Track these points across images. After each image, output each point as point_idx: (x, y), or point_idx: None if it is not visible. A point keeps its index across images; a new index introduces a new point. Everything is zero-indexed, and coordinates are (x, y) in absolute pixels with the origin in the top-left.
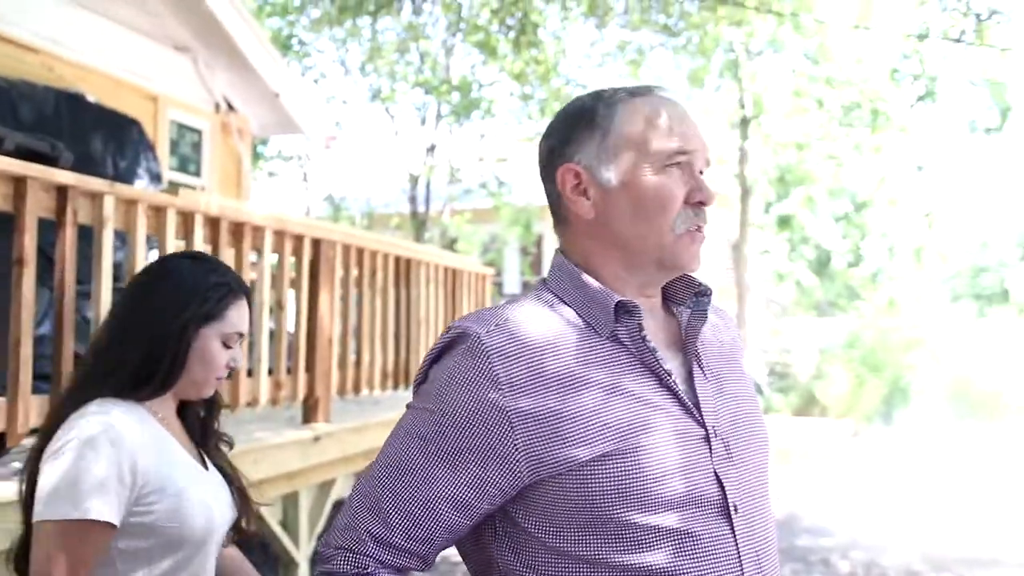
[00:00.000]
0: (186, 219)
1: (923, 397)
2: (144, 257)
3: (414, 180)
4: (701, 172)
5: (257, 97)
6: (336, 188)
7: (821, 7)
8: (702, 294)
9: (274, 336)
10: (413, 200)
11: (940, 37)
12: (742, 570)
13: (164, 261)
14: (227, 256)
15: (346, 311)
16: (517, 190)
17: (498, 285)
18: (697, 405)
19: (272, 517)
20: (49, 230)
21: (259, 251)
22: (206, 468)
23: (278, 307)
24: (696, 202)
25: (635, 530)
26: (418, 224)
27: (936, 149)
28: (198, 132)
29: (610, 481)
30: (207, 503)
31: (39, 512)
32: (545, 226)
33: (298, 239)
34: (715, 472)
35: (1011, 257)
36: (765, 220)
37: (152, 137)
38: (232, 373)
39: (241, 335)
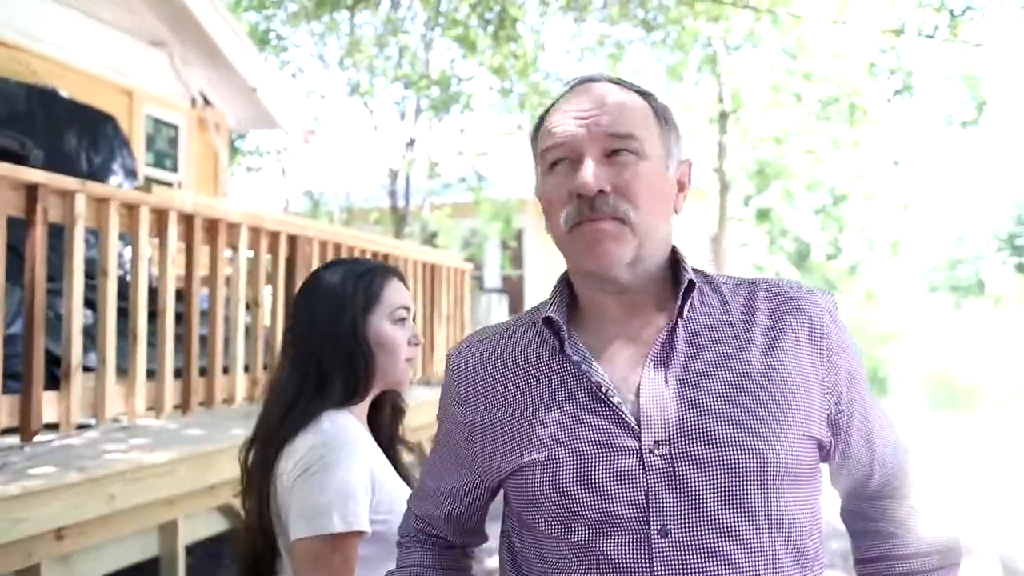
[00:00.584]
0: (160, 216)
1: (901, 389)
2: (117, 254)
3: (394, 175)
4: (613, 152)
5: (234, 92)
6: (315, 183)
7: (798, 2)
8: (687, 289)
9: (250, 333)
10: (393, 195)
11: (915, 34)
12: None
13: (310, 276)
14: (202, 253)
15: None
16: (497, 184)
17: (478, 280)
18: (637, 416)
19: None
20: (20, 228)
21: (234, 248)
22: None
23: (254, 304)
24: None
25: (555, 543)
26: (398, 219)
27: (913, 143)
28: (174, 127)
29: (529, 492)
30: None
31: (303, 529)
32: (525, 220)
33: (274, 235)
34: (644, 490)
35: (987, 249)
36: (744, 213)
37: (127, 133)
38: (417, 348)
39: (407, 309)
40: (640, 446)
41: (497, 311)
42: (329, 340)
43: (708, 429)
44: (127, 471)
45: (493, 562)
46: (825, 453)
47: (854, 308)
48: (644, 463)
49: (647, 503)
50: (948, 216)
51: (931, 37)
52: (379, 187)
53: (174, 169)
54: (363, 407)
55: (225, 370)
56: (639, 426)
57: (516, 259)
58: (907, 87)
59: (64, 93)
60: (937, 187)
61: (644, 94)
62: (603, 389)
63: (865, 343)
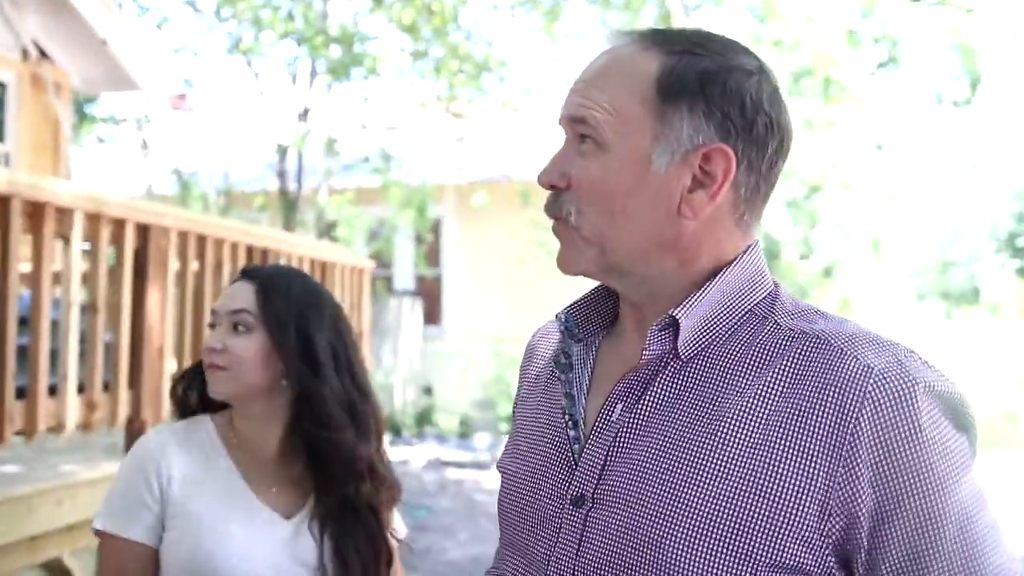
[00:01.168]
0: None
1: None
2: None
3: (283, 152)
4: (583, 138)
5: (79, 44)
6: (186, 160)
7: None
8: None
9: (87, 343)
10: (282, 176)
11: None
12: None
13: None
14: (24, 244)
15: (182, 314)
16: (410, 166)
17: (387, 280)
18: (577, 458)
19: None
20: None
21: (66, 239)
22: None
23: (92, 309)
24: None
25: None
26: (288, 204)
27: (899, 124)
28: (0, 85)
29: (502, 496)
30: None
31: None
32: (444, 209)
33: (119, 224)
34: (552, 542)
35: (983, 251)
36: None
37: None
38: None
39: (213, 312)
40: (566, 492)
41: (409, 318)
42: None
43: (629, 508)
44: None
45: None
46: None
47: None
48: (562, 513)
49: (548, 556)
50: (939, 211)
51: (918, 0)
52: (265, 167)
53: None
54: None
55: (52, 390)
56: (574, 470)
57: (432, 256)
58: (892, 59)
59: None
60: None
61: (668, 56)
62: (565, 415)
63: None
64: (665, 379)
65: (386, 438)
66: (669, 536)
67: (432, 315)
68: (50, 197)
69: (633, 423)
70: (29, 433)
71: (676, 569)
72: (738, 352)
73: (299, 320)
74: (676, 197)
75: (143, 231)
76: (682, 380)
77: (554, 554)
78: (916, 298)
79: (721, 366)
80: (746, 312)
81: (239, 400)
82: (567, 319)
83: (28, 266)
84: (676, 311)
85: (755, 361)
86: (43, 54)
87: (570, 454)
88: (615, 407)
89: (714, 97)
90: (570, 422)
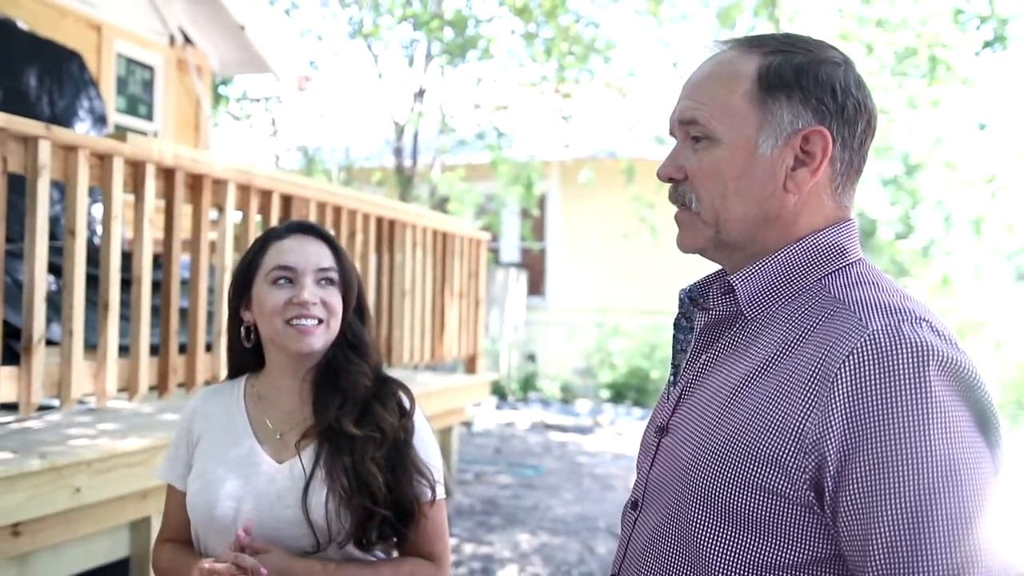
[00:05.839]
0: (136, 169)
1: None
2: (86, 212)
3: (400, 130)
4: (693, 138)
5: (219, 29)
6: (310, 137)
7: None
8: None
9: None
10: (399, 152)
11: None
12: (620, 565)
13: None
14: (184, 212)
15: None
16: (518, 143)
17: (494, 252)
18: (678, 399)
19: None
20: None
21: (220, 208)
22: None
23: None
24: None
25: None
26: (404, 180)
27: (1003, 104)
28: (149, 68)
29: None
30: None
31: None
32: (550, 185)
33: (266, 195)
34: (646, 471)
35: None
36: None
37: (95, 73)
38: (304, 311)
39: (283, 268)
40: (659, 429)
41: (514, 288)
42: (228, 313)
43: (681, 437)
44: (95, 460)
45: (508, 575)
46: (815, 515)
47: (928, 295)
48: (656, 444)
49: (645, 478)
50: None
51: None
52: (383, 144)
53: (149, 117)
54: (277, 375)
55: (208, 347)
56: (671, 414)
57: (538, 230)
58: (999, 38)
59: (22, 25)
60: None
61: (765, 56)
62: (672, 365)
63: None
64: (732, 334)
65: (492, 401)
66: (695, 462)
67: (536, 286)
68: (207, 170)
69: (701, 369)
70: (189, 385)
71: (694, 488)
72: (791, 313)
73: (356, 276)
74: (781, 175)
75: (286, 201)
76: (743, 334)
77: (642, 470)
78: (1016, 278)
79: (776, 325)
80: (816, 280)
81: (321, 354)
82: (691, 290)
83: (187, 234)
84: (733, 277)
85: (798, 322)
86: (187, 39)
87: (667, 395)
88: (699, 356)
89: (809, 86)
90: (674, 371)
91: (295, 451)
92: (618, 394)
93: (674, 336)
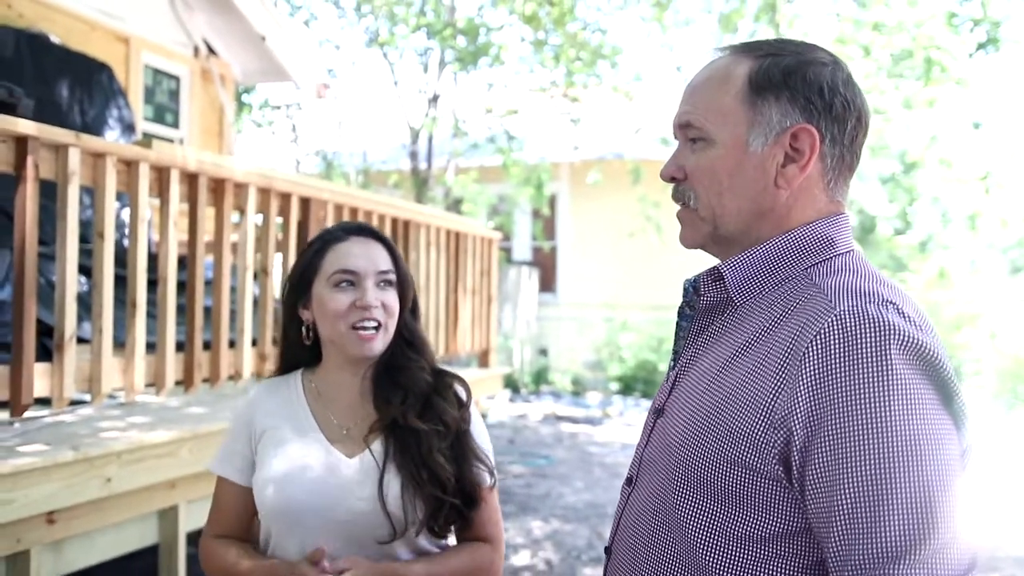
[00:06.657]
0: (161, 174)
1: (978, 379)
2: (114, 215)
3: (415, 134)
4: (693, 140)
5: (241, 41)
6: (329, 142)
7: None
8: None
9: (259, 304)
10: (414, 156)
11: None
12: (613, 538)
13: None
14: (207, 216)
15: None
16: (529, 146)
17: (506, 251)
18: (673, 383)
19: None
20: (8, 185)
21: (242, 210)
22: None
23: (263, 273)
24: None
25: None
26: (419, 182)
27: (997, 104)
28: (175, 78)
29: None
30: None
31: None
32: (560, 186)
33: (285, 197)
34: (644, 446)
35: None
36: None
37: (124, 83)
38: (370, 316)
39: (346, 272)
40: (656, 411)
41: (527, 286)
42: (284, 311)
43: (671, 418)
44: (124, 451)
45: (520, 560)
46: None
47: (925, 289)
48: (652, 424)
49: (639, 455)
50: None
51: None
52: (399, 147)
53: (175, 124)
54: (336, 372)
55: (231, 344)
56: (667, 397)
57: (548, 229)
58: (992, 40)
59: (55, 39)
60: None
61: (756, 60)
62: (673, 351)
63: (938, 328)
64: (722, 319)
65: (506, 394)
66: (679, 439)
67: (547, 283)
68: (229, 174)
69: (694, 353)
70: (213, 380)
71: (677, 463)
72: (774, 300)
73: (410, 276)
74: (772, 172)
75: (305, 204)
76: (732, 320)
77: (638, 448)
78: (1010, 272)
79: (760, 310)
80: (803, 270)
81: (381, 353)
82: (695, 281)
83: (210, 236)
84: (722, 265)
85: (778, 306)
86: (211, 50)
87: (666, 379)
88: (694, 341)
89: (797, 86)
90: (675, 356)
91: (364, 445)
92: (627, 386)
93: (677, 324)
